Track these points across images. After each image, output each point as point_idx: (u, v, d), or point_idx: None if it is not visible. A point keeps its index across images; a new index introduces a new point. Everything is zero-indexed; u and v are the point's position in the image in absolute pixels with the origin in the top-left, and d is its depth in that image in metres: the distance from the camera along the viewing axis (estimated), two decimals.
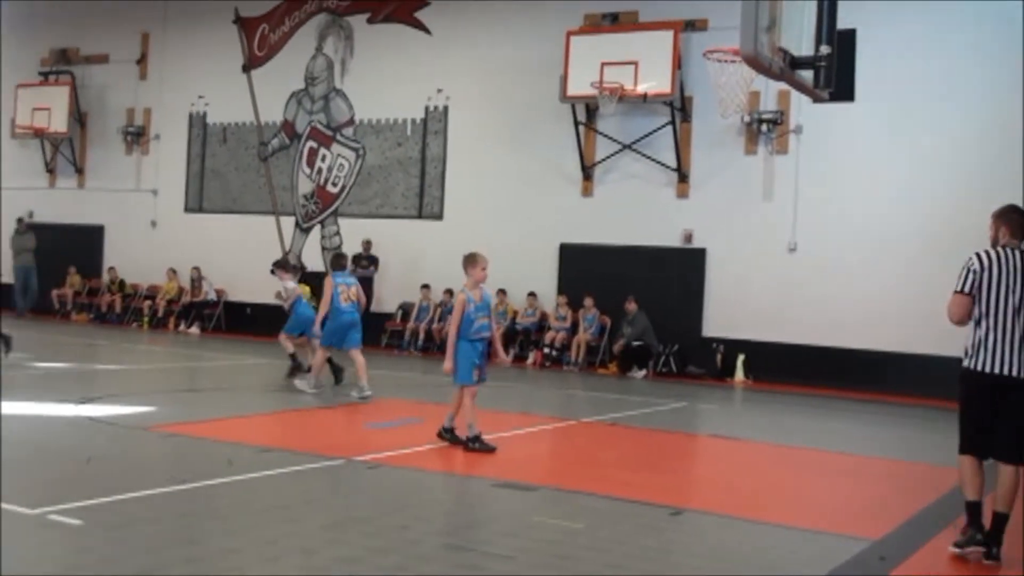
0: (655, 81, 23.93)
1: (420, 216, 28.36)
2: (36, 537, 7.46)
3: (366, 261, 27.82)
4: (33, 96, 33.29)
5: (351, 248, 28.42)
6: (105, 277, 32.58)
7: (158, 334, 29.05)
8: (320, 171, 29.97)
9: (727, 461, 13.61)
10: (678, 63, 24.02)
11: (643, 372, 23.99)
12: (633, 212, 25.39)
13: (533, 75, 26.46)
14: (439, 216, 28.08)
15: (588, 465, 12.34)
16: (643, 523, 9.09)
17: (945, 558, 8.51)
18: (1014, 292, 8.34)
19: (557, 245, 26.24)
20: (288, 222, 30.37)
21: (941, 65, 22.63)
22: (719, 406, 19.92)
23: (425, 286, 26.97)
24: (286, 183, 30.50)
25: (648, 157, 25.15)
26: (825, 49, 12.00)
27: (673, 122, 24.58)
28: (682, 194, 25.05)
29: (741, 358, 23.94)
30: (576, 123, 25.62)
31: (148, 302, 31.26)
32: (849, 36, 21.93)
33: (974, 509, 8.48)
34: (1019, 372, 8.34)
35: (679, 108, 24.65)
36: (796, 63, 11.80)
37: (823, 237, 23.51)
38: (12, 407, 13.58)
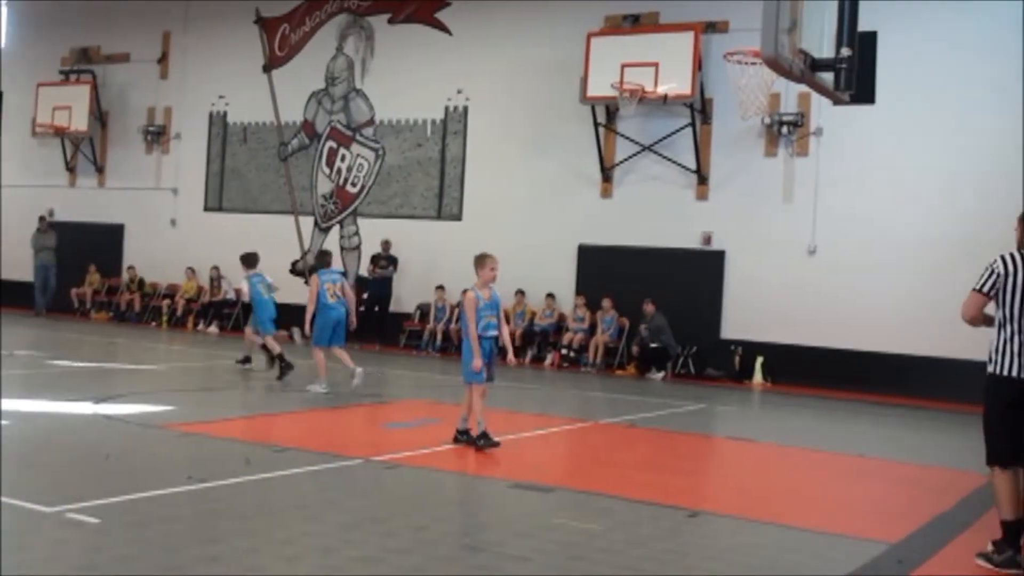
0: (675, 83, 23.88)
1: (439, 217, 28.36)
2: (54, 535, 7.47)
3: (385, 261, 27.82)
4: (54, 95, 33.37)
5: (370, 248, 28.49)
6: (124, 276, 32.64)
7: (177, 333, 29.10)
8: (339, 171, 29.99)
9: (745, 463, 13.61)
10: (698, 65, 23.97)
11: (661, 374, 23.95)
12: (652, 214, 25.36)
13: (553, 76, 26.45)
14: (458, 217, 28.09)
15: (605, 467, 12.33)
16: (660, 525, 9.08)
17: (963, 561, 8.48)
18: None
19: (576, 246, 26.22)
20: (307, 222, 30.38)
21: (962, 66, 22.54)
22: (737, 408, 19.88)
23: (440, 287, 26.98)
24: (306, 183, 30.52)
25: (668, 159, 25.11)
26: (846, 51, 11.98)
27: (693, 124, 24.54)
28: (701, 196, 25.01)
29: (759, 360, 23.89)
30: (596, 124, 25.58)
31: (167, 301, 31.32)
32: (870, 38, 21.99)
33: (1011, 528, 8.34)
34: None
35: (699, 110, 24.61)
36: (817, 65, 11.79)
37: (843, 240, 23.45)
38: (30, 405, 13.65)
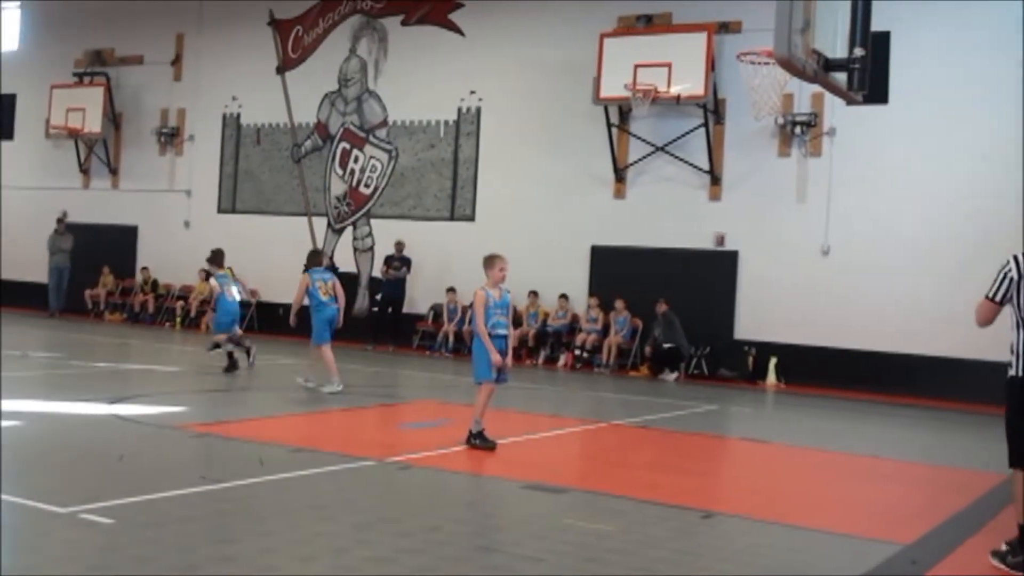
0: (688, 83, 23.88)
1: (452, 218, 28.39)
2: (68, 536, 7.48)
3: (398, 263, 27.85)
4: (68, 97, 33.46)
5: (383, 250, 28.51)
6: (138, 277, 32.71)
7: (190, 334, 29.13)
8: (353, 172, 30.03)
9: (758, 464, 13.59)
10: (711, 65, 23.96)
11: (674, 375, 23.94)
12: (665, 214, 25.36)
13: (566, 77, 26.46)
14: (471, 218, 28.10)
15: (619, 468, 12.32)
16: (673, 526, 9.07)
17: (977, 562, 8.46)
18: None
19: (589, 247, 26.23)
20: (321, 223, 30.43)
21: (976, 66, 22.50)
22: (751, 409, 19.85)
23: (451, 289, 27.01)
24: (319, 184, 30.56)
25: (681, 159, 25.11)
26: (859, 51, 11.98)
27: (706, 124, 24.52)
28: (714, 196, 25.00)
29: (773, 361, 23.88)
30: (609, 125, 25.58)
31: (181, 302, 31.38)
32: (883, 38, 22.01)
33: None
34: None
35: (712, 110, 24.60)
36: (830, 65, 11.79)
37: (856, 240, 23.43)
38: (45, 406, 13.68)
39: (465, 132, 28.37)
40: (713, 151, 24.72)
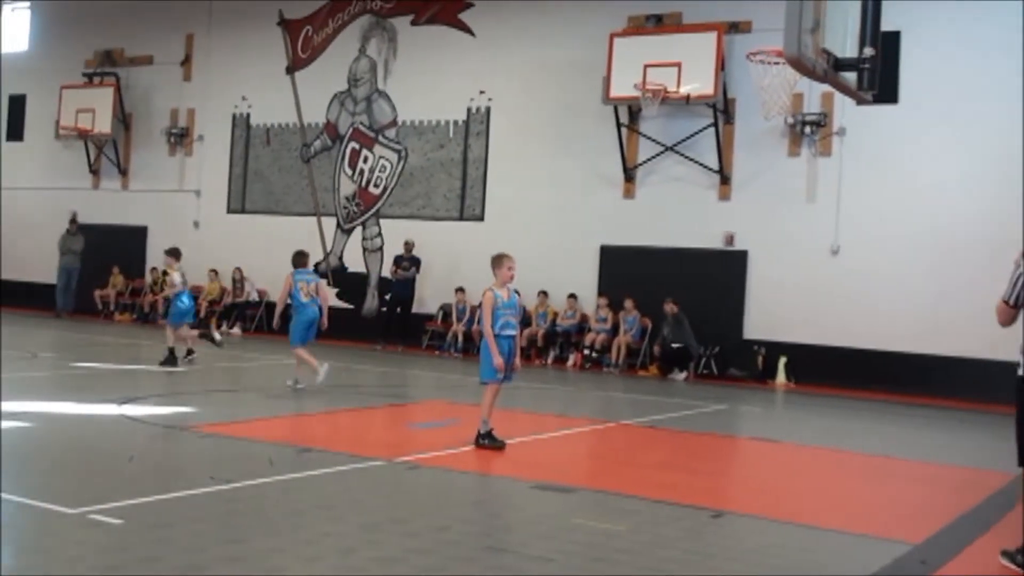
0: (698, 83, 23.85)
1: (461, 218, 28.38)
2: (77, 536, 7.49)
3: (407, 263, 27.86)
4: (78, 98, 33.49)
5: (393, 250, 28.52)
6: (148, 278, 32.67)
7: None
8: (362, 172, 30.03)
9: (768, 464, 13.58)
10: (721, 65, 23.93)
11: (684, 374, 23.92)
12: (675, 214, 25.33)
13: (576, 77, 26.44)
14: (480, 217, 28.10)
15: (628, 467, 12.32)
16: (683, 526, 9.06)
17: (987, 562, 8.45)
18: None
19: (598, 247, 26.21)
20: (330, 223, 30.44)
21: (986, 66, 22.46)
22: (760, 408, 19.84)
23: (460, 289, 26.98)
24: (328, 184, 30.57)
25: (690, 159, 25.08)
26: (869, 51, 11.97)
27: (716, 124, 24.50)
28: (724, 196, 24.97)
29: (783, 360, 23.85)
30: (618, 125, 25.57)
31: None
32: (893, 38, 21.98)
33: None
34: None
35: (722, 110, 24.56)
36: (840, 65, 11.78)
37: (866, 240, 23.38)
38: (54, 407, 13.69)
39: (474, 132, 28.36)
40: (723, 151, 24.69)
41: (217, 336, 20.92)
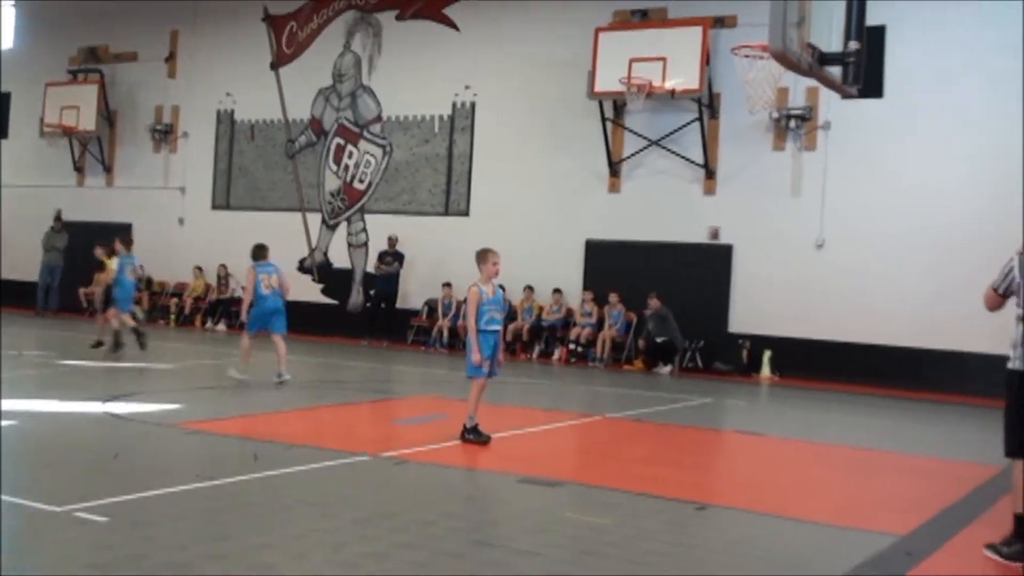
0: (683, 77, 23.86)
1: (447, 213, 28.37)
2: (62, 534, 7.47)
3: (390, 258, 27.87)
4: (62, 95, 33.41)
5: (378, 245, 28.52)
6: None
7: (184, 331, 29.14)
8: (347, 168, 30.01)
9: (753, 457, 13.61)
10: (706, 59, 23.95)
11: (668, 368, 23.96)
12: (660, 208, 25.36)
13: (561, 71, 26.45)
14: (465, 213, 28.09)
15: (614, 461, 12.34)
16: (668, 519, 9.08)
17: (971, 553, 8.49)
18: None
19: (583, 241, 26.23)
20: (315, 219, 30.42)
21: (972, 61, 22.52)
22: (745, 402, 19.87)
23: (447, 284, 26.94)
24: (313, 180, 30.54)
25: (675, 153, 25.11)
26: (854, 45, 11.98)
27: (701, 118, 24.53)
28: (709, 190, 25.00)
29: (767, 354, 23.92)
30: (604, 119, 25.59)
31: (175, 299, 31.36)
32: (878, 32, 22.01)
33: (1022, 522, 8.34)
34: None
35: (707, 104, 24.59)
36: (825, 59, 11.78)
37: (851, 234, 23.44)
38: (39, 405, 13.66)
39: (460, 127, 28.36)
40: (708, 145, 24.72)
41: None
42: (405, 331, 27.86)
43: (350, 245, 29.78)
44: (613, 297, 25.01)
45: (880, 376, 22.67)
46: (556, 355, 25.47)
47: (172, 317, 30.97)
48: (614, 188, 26.08)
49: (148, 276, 31.04)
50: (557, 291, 25.96)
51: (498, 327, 12.55)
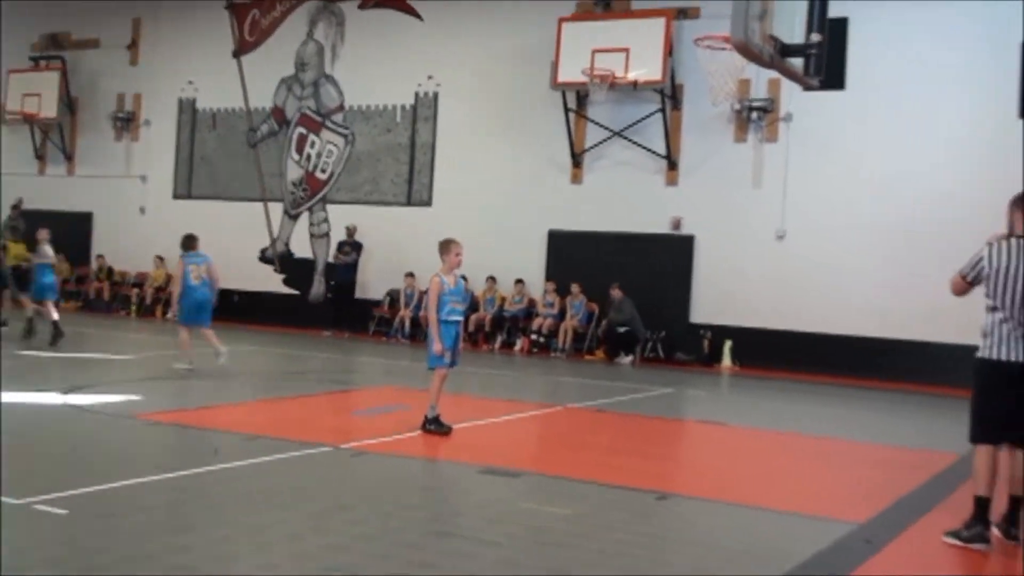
0: (646, 68, 23.89)
1: (409, 203, 28.33)
2: (22, 527, 7.43)
3: (348, 247, 27.81)
4: (24, 82, 33.19)
5: (340, 235, 28.46)
6: (93, 265, 32.52)
7: (146, 322, 29.02)
8: (309, 157, 29.92)
9: (714, 446, 13.66)
10: (669, 51, 24.00)
11: (630, 358, 24.02)
12: (622, 199, 25.40)
13: (524, 62, 26.43)
14: (428, 203, 28.06)
15: (575, 451, 12.36)
16: (631, 509, 9.10)
17: (931, 540, 8.58)
18: None
19: (546, 232, 26.24)
20: (277, 209, 30.31)
21: (933, 54, 22.65)
22: (706, 392, 19.96)
23: (409, 274, 26.90)
24: (275, 170, 30.43)
25: (638, 144, 25.15)
26: (816, 37, 12.02)
27: (663, 109, 24.58)
28: (671, 181, 25.07)
29: (728, 344, 24.02)
30: (566, 110, 25.60)
31: (136, 290, 31.20)
32: (840, 24, 22.06)
33: (983, 504, 8.47)
34: None
35: (669, 95, 24.64)
36: (787, 51, 11.82)
37: (812, 225, 23.55)
38: None
39: (422, 117, 28.32)
40: (670, 136, 24.77)
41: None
42: (367, 322, 27.81)
43: (312, 235, 29.71)
44: (575, 287, 25.05)
45: (841, 366, 22.78)
46: (518, 346, 25.49)
47: (133, 307, 30.81)
48: (577, 179, 26.10)
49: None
50: (519, 281, 25.98)
51: (460, 318, 12.57)
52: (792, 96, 23.15)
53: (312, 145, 29.90)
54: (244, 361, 18.93)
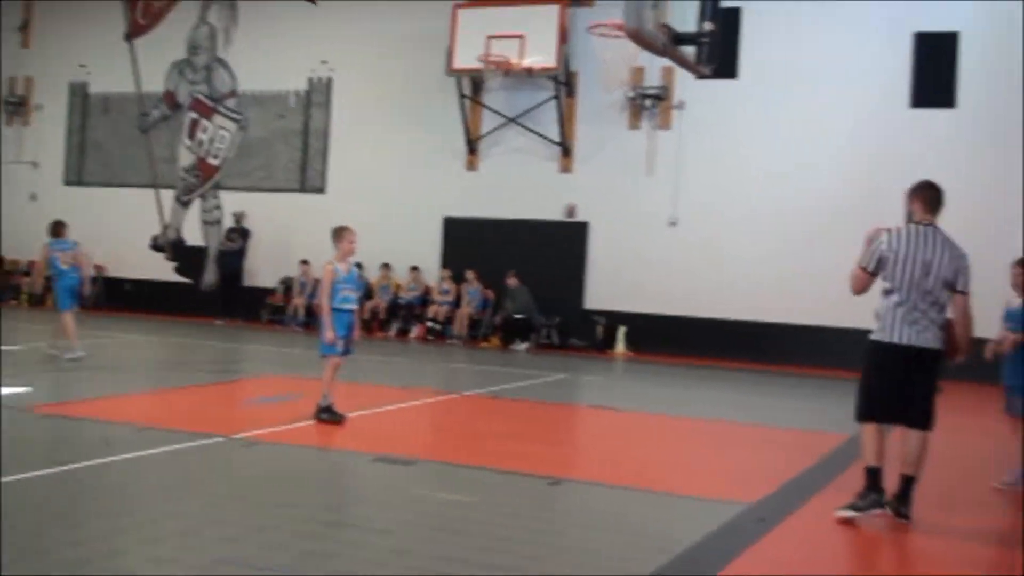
0: (541, 55, 23.94)
1: (303, 190, 28.15)
2: None
3: (235, 234, 27.60)
4: None
5: (228, 222, 28.23)
6: None
7: (37, 311, 28.55)
8: (201, 143, 29.62)
9: (608, 431, 13.73)
10: (564, 38, 24.06)
11: (525, 345, 24.11)
12: (517, 186, 25.45)
13: (419, 48, 26.34)
14: (322, 190, 27.92)
15: (470, 438, 12.41)
16: (525, 494, 9.16)
17: (822, 517, 8.77)
18: (922, 268, 8.58)
19: (441, 219, 26.22)
20: (169, 195, 29.98)
21: (826, 44, 22.95)
22: (600, 377, 20.10)
23: (304, 262, 26.75)
24: (167, 156, 30.09)
25: (533, 131, 25.21)
26: (708, 26, 12.15)
27: (558, 96, 24.66)
28: (566, 168, 25.16)
29: (622, 330, 24.17)
30: (461, 96, 25.58)
31: (27, 278, 30.69)
32: (733, 14, 22.27)
33: (874, 475, 8.71)
34: (924, 343, 8.60)
35: (564, 83, 24.71)
36: (679, 39, 11.94)
37: (704, 212, 23.77)
38: None
39: (316, 103, 28.15)
40: (565, 123, 24.86)
41: None
42: (260, 310, 27.62)
43: (204, 222, 29.44)
44: (470, 274, 25.07)
45: (734, 351, 23.05)
46: (413, 333, 25.48)
47: (24, 296, 30.32)
48: (472, 166, 26.11)
49: None
50: (414, 269, 25.95)
51: (353, 306, 12.54)
52: (685, 84, 23.31)
53: (204, 131, 29.61)
54: (135, 351, 18.72)
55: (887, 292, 8.72)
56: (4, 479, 8.56)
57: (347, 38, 27.67)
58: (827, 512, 8.78)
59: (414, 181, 26.59)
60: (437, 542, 7.48)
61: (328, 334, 12.21)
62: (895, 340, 8.65)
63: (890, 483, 8.75)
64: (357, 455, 10.63)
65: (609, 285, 24.62)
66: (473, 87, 25.81)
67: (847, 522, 8.59)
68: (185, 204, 29.74)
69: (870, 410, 8.84)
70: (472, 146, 25.98)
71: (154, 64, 30.29)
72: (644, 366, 22.03)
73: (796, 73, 23.14)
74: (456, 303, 25.29)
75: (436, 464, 10.38)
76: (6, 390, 13.57)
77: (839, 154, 22.58)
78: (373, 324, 25.51)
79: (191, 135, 29.78)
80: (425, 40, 26.10)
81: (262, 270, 28.13)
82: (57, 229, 18.06)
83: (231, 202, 28.83)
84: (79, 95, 31.45)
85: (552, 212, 25.12)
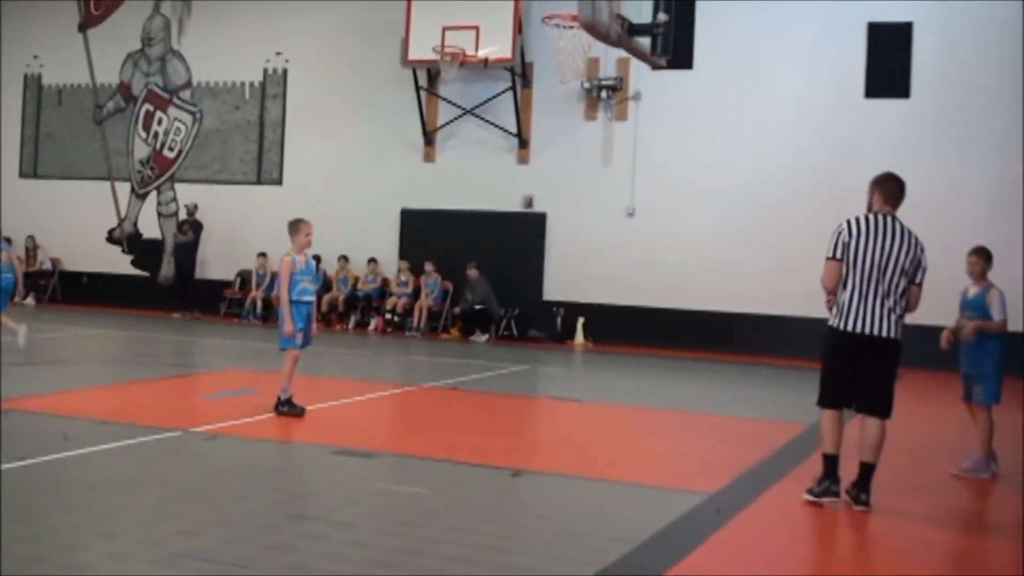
0: (496, 46, 23.95)
1: (259, 182, 28.06)
2: None
3: (187, 227, 27.48)
4: None
5: (184, 214, 28.09)
6: None
7: None
8: (156, 135, 29.47)
9: (567, 422, 13.77)
10: (519, 28, 24.08)
11: (485, 336, 24.12)
12: (474, 177, 25.46)
13: (374, 38, 26.30)
14: (278, 182, 27.84)
15: (430, 430, 12.39)
16: (486, 486, 9.17)
17: (779, 507, 8.84)
18: (880, 257, 8.67)
19: (399, 210, 26.18)
20: (124, 188, 29.81)
21: (781, 34, 23.06)
22: (560, 369, 20.13)
23: (262, 254, 26.65)
24: (122, 148, 29.92)
25: (489, 123, 25.21)
26: (663, 17, 12.16)
27: (514, 88, 24.67)
28: (523, 159, 25.18)
29: (581, 321, 24.22)
30: (417, 88, 25.54)
31: None
32: (688, 5, 22.35)
33: (832, 462, 8.87)
34: (882, 332, 8.69)
35: (520, 74, 24.73)
36: (634, 30, 11.95)
37: (661, 202, 23.85)
38: None
39: (271, 94, 28.06)
40: (521, 114, 24.87)
41: None
42: (218, 303, 27.51)
43: (160, 215, 29.30)
44: (429, 266, 25.06)
45: (692, 341, 23.14)
46: (372, 325, 25.45)
47: None
48: (429, 157, 26.10)
49: None
50: (372, 261, 25.91)
51: (311, 298, 12.55)
52: (641, 75, 23.40)
53: (159, 122, 29.46)
54: (92, 344, 18.61)
55: (844, 281, 8.80)
56: None
57: (302, 29, 27.58)
58: (784, 502, 8.85)
59: (371, 173, 26.56)
60: (396, 534, 7.46)
61: (288, 327, 12.19)
62: (848, 328, 8.74)
63: (850, 470, 8.81)
64: (317, 448, 10.60)
65: (568, 276, 24.67)
66: (429, 78, 25.78)
67: (813, 504, 8.75)
68: (141, 197, 29.57)
69: (826, 396, 8.98)
70: (429, 138, 25.96)
71: (109, 55, 30.09)
72: (603, 357, 22.08)
73: (751, 64, 23.25)
74: (415, 295, 25.28)
75: (397, 457, 10.37)
76: None
77: (794, 144, 22.70)
78: (332, 316, 25.47)
79: (146, 127, 29.60)
80: (380, 31, 26.06)
81: (219, 263, 28.02)
82: None
83: (187, 194, 28.68)
84: (33, 86, 31.21)
85: (510, 203, 25.14)
